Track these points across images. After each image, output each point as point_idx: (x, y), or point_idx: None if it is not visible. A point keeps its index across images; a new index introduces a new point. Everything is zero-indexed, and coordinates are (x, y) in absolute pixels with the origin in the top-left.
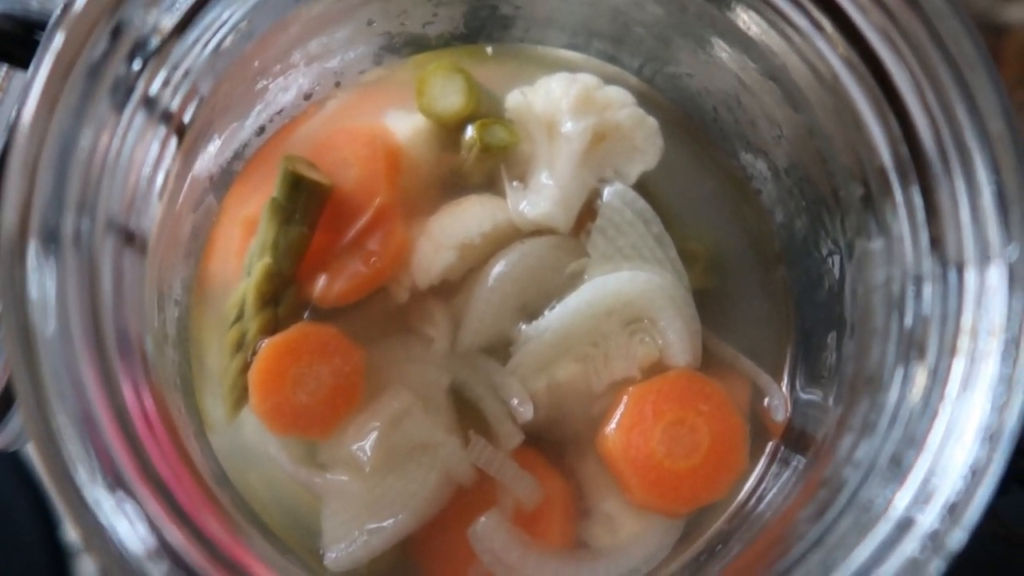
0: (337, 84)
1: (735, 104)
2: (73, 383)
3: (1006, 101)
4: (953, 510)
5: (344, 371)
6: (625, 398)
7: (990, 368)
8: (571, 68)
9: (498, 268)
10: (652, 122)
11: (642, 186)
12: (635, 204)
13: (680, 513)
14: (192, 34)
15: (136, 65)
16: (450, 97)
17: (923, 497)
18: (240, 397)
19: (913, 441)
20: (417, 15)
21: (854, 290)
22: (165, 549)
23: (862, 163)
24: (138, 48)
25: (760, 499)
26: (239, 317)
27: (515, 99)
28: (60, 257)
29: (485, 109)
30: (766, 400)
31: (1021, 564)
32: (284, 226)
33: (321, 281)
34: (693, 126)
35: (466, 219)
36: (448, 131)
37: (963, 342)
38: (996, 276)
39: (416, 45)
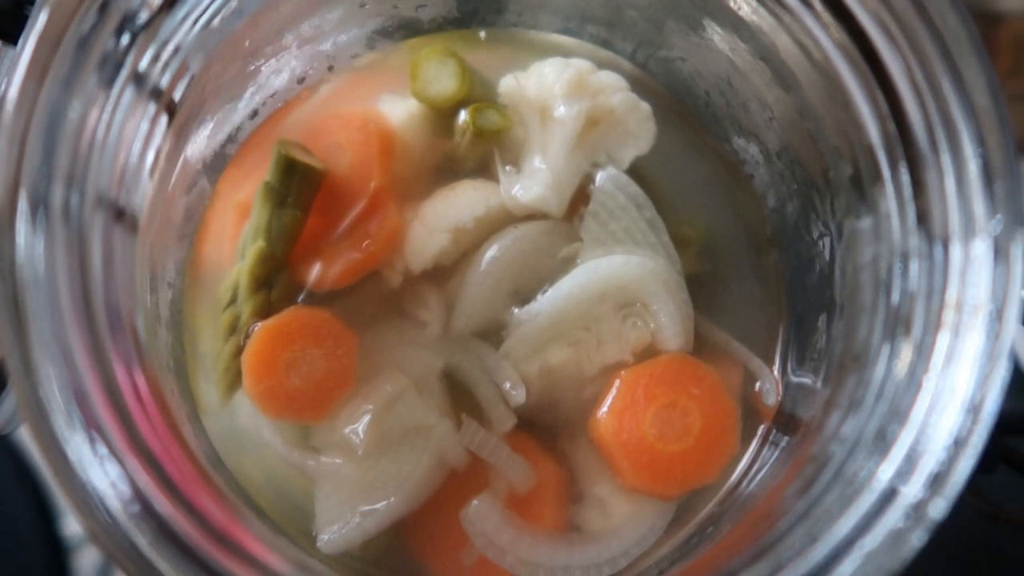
0: (330, 68)
1: (727, 87)
2: (63, 354)
3: (992, 75)
4: (936, 480)
5: (337, 354)
6: (617, 382)
7: (974, 341)
8: (564, 53)
9: (491, 252)
10: (645, 107)
11: (635, 171)
12: (628, 188)
13: (672, 496)
14: (181, 10)
15: (125, 39)
16: (443, 81)
17: (907, 468)
18: (234, 380)
19: (898, 414)
20: None
21: (843, 270)
22: (153, 518)
23: (851, 142)
24: (127, 22)
25: (751, 481)
26: (232, 300)
27: (508, 84)
28: (49, 229)
29: (478, 94)
30: (758, 384)
31: (1007, 542)
32: (278, 210)
33: (314, 265)
34: (686, 111)
35: (459, 203)
36: (441, 116)
37: (948, 316)
38: (981, 249)
39: (409, 29)
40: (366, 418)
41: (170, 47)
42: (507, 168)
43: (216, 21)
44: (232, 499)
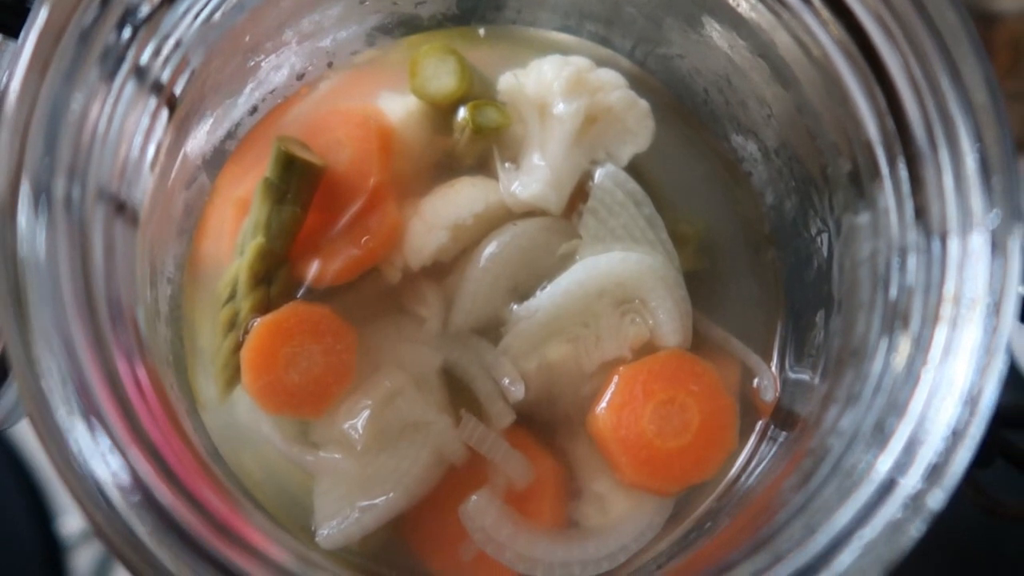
0: (330, 64)
1: (725, 85)
2: (64, 344)
3: (989, 71)
4: (934, 471)
5: (336, 350)
6: (616, 378)
7: (972, 334)
8: (563, 50)
9: (490, 249)
10: (644, 104)
11: (634, 168)
12: (626, 185)
13: (670, 492)
14: (183, 4)
15: (126, 33)
16: (443, 79)
17: (905, 460)
18: (233, 376)
19: (896, 407)
20: None
21: (841, 266)
22: (153, 508)
23: (849, 138)
24: (128, 16)
25: (749, 477)
26: (232, 296)
27: (507, 81)
28: (51, 220)
29: (478, 91)
30: (756, 380)
31: (1004, 536)
32: (277, 206)
33: (314, 261)
34: (684, 108)
35: (459, 200)
36: (441, 113)
37: (946, 310)
38: (978, 244)
39: (409, 26)
40: (365, 414)
41: (171, 41)
42: (506, 165)
43: (217, 16)
44: (232, 491)
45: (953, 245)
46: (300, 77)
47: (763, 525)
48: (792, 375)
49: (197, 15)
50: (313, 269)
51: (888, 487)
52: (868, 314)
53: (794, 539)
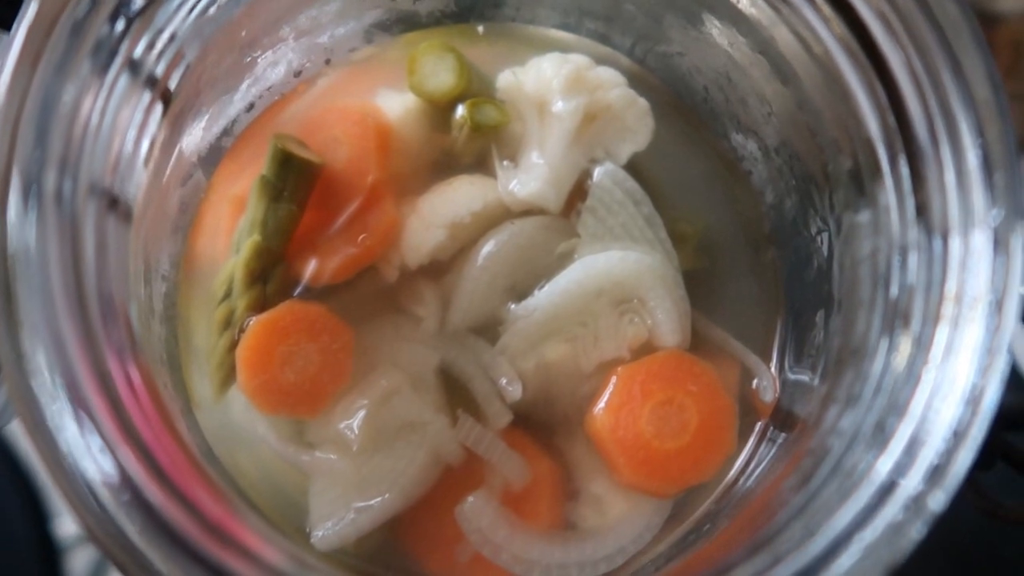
0: (327, 61)
1: (725, 82)
2: (54, 342)
3: (992, 67)
4: (935, 472)
5: (332, 349)
6: (614, 378)
7: (973, 333)
8: (562, 48)
9: (488, 248)
10: (643, 102)
11: (633, 166)
12: (625, 184)
13: (668, 494)
14: None
15: (119, 26)
16: (441, 76)
17: (906, 461)
18: (228, 375)
19: (896, 407)
20: None
21: (841, 265)
22: (143, 507)
23: (850, 135)
24: (121, 8)
25: (748, 478)
26: (227, 295)
27: (506, 79)
28: (41, 215)
29: (476, 88)
30: (755, 381)
31: (1004, 539)
32: (273, 204)
33: (310, 259)
34: (684, 107)
35: (456, 198)
36: (439, 110)
37: (947, 309)
38: (980, 241)
39: (407, 23)
40: (361, 413)
41: (165, 35)
42: (504, 163)
43: (212, 9)
44: (225, 491)
45: (955, 243)
46: (297, 74)
47: (762, 527)
48: (792, 375)
49: (192, 8)
50: (310, 267)
51: (889, 488)
52: (868, 313)
53: (793, 541)
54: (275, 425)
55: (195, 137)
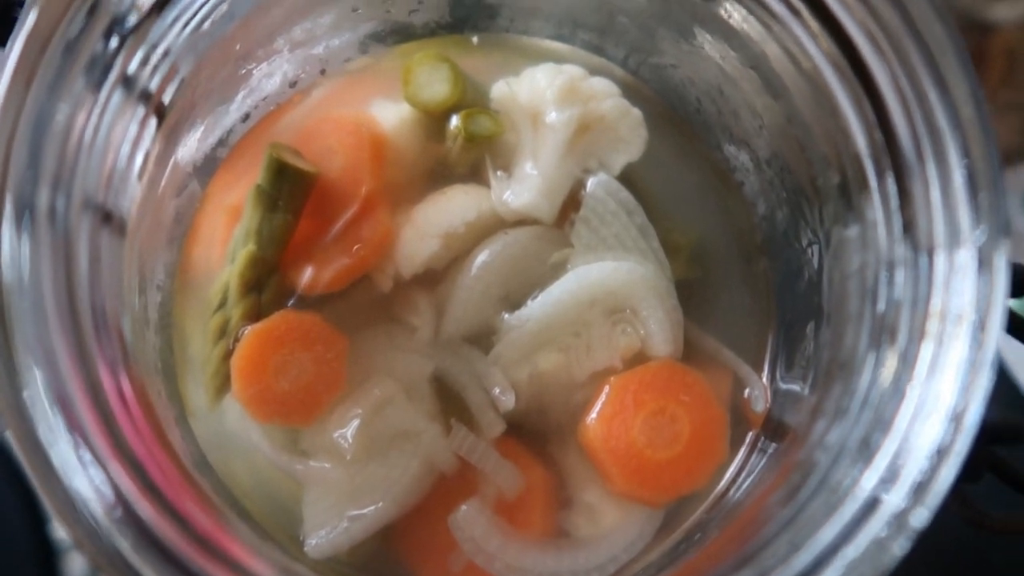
0: (322, 72)
1: (718, 95)
2: (47, 358)
3: (976, 86)
4: (918, 489)
5: (327, 359)
6: (606, 388)
7: (957, 350)
8: (556, 59)
9: (482, 257)
10: (636, 113)
11: (626, 177)
12: (619, 194)
13: (660, 503)
14: (171, 13)
15: (113, 42)
16: (436, 86)
17: (890, 477)
18: (222, 384)
19: (882, 423)
20: (402, 2)
21: (831, 278)
22: (135, 523)
23: (838, 150)
24: (115, 25)
25: (739, 488)
26: (222, 304)
27: (500, 89)
28: (35, 232)
29: (470, 99)
30: (747, 391)
31: (992, 550)
32: (268, 213)
33: (305, 269)
34: (677, 117)
35: (451, 208)
36: (433, 121)
37: (932, 325)
38: (965, 259)
39: (402, 34)
40: (355, 422)
41: (159, 50)
42: (498, 173)
43: (207, 24)
44: (218, 504)
45: (940, 260)
46: (293, 84)
47: (750, 539)
48: (782, 386)
49: (186, 24)
50: (304, 277)
51: (872, 504)
52: (856, 327)
53: (779, 555)
54: (269, 434)
55: (190, 148)
